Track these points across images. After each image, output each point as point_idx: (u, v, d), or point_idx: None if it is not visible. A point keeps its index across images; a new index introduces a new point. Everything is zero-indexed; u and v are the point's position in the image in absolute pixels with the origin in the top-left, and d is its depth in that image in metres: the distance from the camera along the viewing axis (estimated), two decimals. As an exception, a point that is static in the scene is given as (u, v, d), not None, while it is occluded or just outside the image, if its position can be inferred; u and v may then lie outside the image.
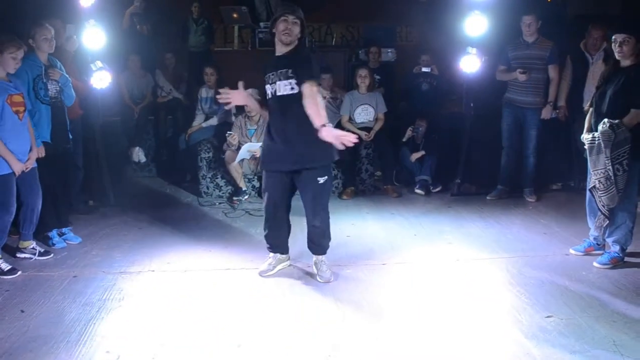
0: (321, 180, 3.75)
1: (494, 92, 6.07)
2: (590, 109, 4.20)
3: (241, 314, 3.42)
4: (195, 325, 3.27)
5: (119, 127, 6.85)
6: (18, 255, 4.30)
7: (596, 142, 3.93)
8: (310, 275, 4.00)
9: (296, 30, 3.65)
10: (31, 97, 4.30)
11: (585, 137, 4.07)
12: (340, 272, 4.05)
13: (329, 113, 6.48)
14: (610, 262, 4.05)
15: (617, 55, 3.96)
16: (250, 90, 3.98)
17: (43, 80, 4.39)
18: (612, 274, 3.96)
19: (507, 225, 5.10)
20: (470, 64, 5.68)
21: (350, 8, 8.80)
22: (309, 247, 4.02)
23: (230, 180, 6.09)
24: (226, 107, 3.72)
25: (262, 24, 8.13)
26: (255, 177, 6.09)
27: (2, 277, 3.95)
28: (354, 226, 5.14)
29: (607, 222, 4.07)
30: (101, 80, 5.18)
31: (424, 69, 7.06)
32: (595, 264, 4.09)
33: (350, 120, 6.43)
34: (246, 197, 5.99)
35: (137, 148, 7.05)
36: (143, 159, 7.09)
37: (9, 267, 4.03)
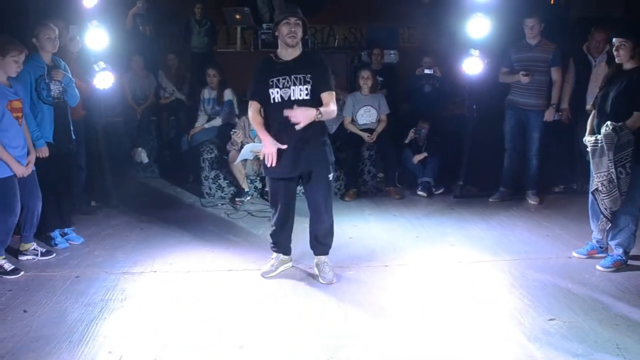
0: (330, 176, 3.82)
1: (497, 95, 6.08)
2: (593, 111, 4.19)
3: (243, 315, 3.42)
4: (197, 326, 3.27)
5: (121, 128, 6.86)
6: (20, 258, 4.30)
7: (599, 144, 3.93)
8: (313, 276, 4.00)
9: (300, 31, 3.66)
10: (33, 98, 4.31)
11: (588, 139, 4.07)
12: (343, 274, 4.04)
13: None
14: (613, 265, 4.05)
15: (616, 59, 4.00)
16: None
17: (45, 81, 4.39)
18: (615, 277, 3.95)
19: (510, 228, 5.10)
20: (472, 66, 5.68)
21: (353, 10, 8.81)
22: (313, 247, 4.02)
23: (233, 181, 6.09)
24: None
25: (264, 25, 8.15)
26: (258, 178, 6.10)
27: (5, 277, 3.95)
28: (356, 228, 5.14)
29: (610, 225, 4.06)
30: (104, 81, 5.18)
31: (427, 71, 7.06)
32: (598, 266, 4.08)
33: (353, 121, 6.43)
34: (248, 198, 5.99)
35: (140, 149, 7.06)
36: (145, 159, 7.10)
37: (12, 267, 4.04)
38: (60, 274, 4.04)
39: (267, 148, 3.66)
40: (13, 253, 4.33)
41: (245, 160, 5.90)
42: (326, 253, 4.00)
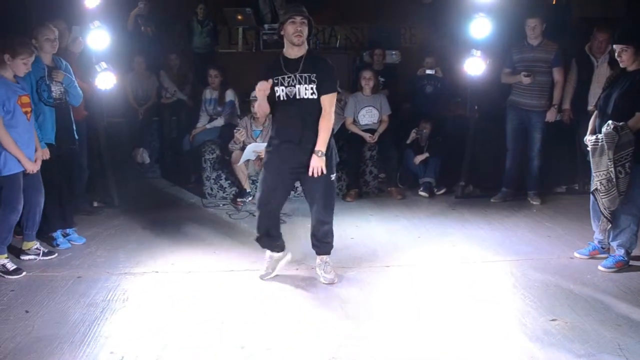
0: (332, 177, 3.82)
1: (498, 95, 6.07)
2: (595, 111, 4.19)
3: (245, 315, 3.42)
4: (199, 326, 3.27)
5: (123, 128, 6.87)
6: (22, 257, 4.31)
7: (599, 143, 3.92)
8: (314, 277, 3.99)
9: (305, 30, 3.68)
10: (34, 99, 4.32)
11: (589, 138, 4.07)
12: (344, 274, 4.04)
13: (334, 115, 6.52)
14: (615, 266, 4.04)
15: (620, 64, 4.02)
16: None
17: (46, 82, 4.39)
18: (617, 277, 3.94)
19: (512, 228, 5.09)
20: (474, 67, 5.67)
21: (355, 10, 8.81)
22: (314, 246, 4.01)
23: (235, 182, 6.10)
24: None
25: (266, 26, 8.16)
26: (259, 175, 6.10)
27: (7, 277, 3.96)
28: (358, 228, 5.14)
29: (610, 225, 4.06)
30: (106, 81, 5.19)
31: (428, 71, 7.06)
32: (600, 267, 4.07)
33: (355, 122, 6.43)
34: (250, 198, 5.99)
35: (142, 149, 7.07)
36: (147, 160, 7.11)
37: (14, 267, 4.04)
38: (62, 275, 4.05)
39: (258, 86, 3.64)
40: (15, 253, 4.34)
41: (248, 160, 5.91)
42: (327, 253, 4.00)
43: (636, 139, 3.84)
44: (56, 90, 4.48)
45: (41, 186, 4.25)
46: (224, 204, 6.01)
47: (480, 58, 5.62)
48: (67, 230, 4.75)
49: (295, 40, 3.65)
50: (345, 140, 6.39)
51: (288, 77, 3.68)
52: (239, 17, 8.29)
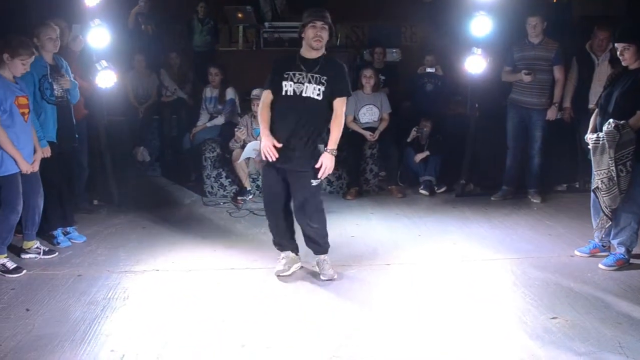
0: (314, 182, 3.79)
1: (499, 93, 6.06)
2: (596, 109, 4.19)
3: (245, 314, 3.42)
4: (199, 325, 3.27)
5: (123, 127, 6.85)
6: (23, 256, 4.31)
7: (600, 142, 3.92)
8: (314, 275, 4.00)
9: (325, 35, 3.71)
10: (37, 97, 4.31)
11: (590, 136, 4.07)
12: (345, 273, 4.04)
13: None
14: (616, 264, 4.04)
15: (622, 62, 4.02)
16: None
17: (49, 80, 4.39)
18: (617, 275, 3.94)
19: (512, 226, 5.09)
20: (475, 65, 5.65)
21: (355, 9, 8.79)
22: (310, 247, 4.03)
23: (235, 180, 6.10)
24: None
25: (266, 24, 8.14)
26: (260, 176, 6.09)
27: (7, 275, 3.96)
28: (358, 226, 5.14)
29: (610, 223, 4.06)
30: (106, 79, 5.18)
31: (429, 70, 7.05)
32: (600, 265, 4.07)
33: (355, 120, 6.43)
34: (250, 196, 6.00)
35: (142, 147, 7.07)
36: (147, 158, 7.11)
37: (14, 265, 4.04)
38: (62, 273, 4.05)
39: (264, 142, 3.70)
40: (16, 252, 4.34)
41: (248, 158, 5.91)
42: (325, 252, 4.00)
43: (637, 138, 3.84)
44: (58, 88, 4.47)
45: (40, 187, 4.25)
46: (224, 202, 6.01)
47: (480, 56, 5.61)
48: (68, 229, 4.75)
49: (314, 44, 3.70)
50: (345, 138, 6.36)
51: (299, 74, 3.71)
52: (240, 15, 8.27)
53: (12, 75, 4.01)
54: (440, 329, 3.21)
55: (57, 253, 4.43)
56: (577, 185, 6.21)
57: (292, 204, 3.96)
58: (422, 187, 6.31)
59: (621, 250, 4.07)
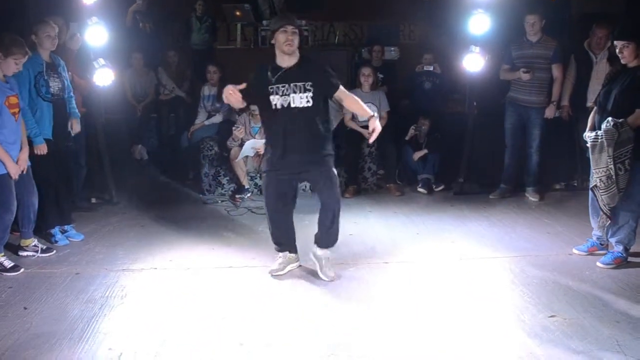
0: (334, 170, 3.89)
1: (497, 91, 6.06)
2: (594, 108, 4.19)
3: (243, 312, 3.42)
4: (197, 323, 3.27)
5: (121, 125, 6.86)
6: (20, 253, 4.31)
7: (599, 140, 3.92)
8: (312, 273, 3.99)
9: (297, 39, 3.71)
10: (32, 94, 4.30)
11: (588, 135, 4.07)
12: (343, 271, 4.04)
13: (332, 111, 6.50)
14: (614, 262, 4.04)
15: (621, 60, 4.01)
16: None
17: (44, 78, 4.38)
18: (615, 273, 3.95)
19: (510, 225, 5.09)
20: (473, 63, 5.65)
21: (354, 7, 8.77)
22: (321, 239, 3.97)
23: (233, 178, 6.10)
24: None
25: (264, 22, 8.12)
26: (258, 175, 6.09)
27: (5, 274, 3.96)
28: (357, 225, 5.14)
29: (609, 221, 4.06)
30: (104, 78, 5.17)
31: (427, 68, 7.05)
32: (598, 263, 4.07)
33: (353, 118, 6.42)
34: (249, 195, 5.99)
35: (140, 146, 7.07)
36: (145, 156, 7.10)
37: (12, 264, 4.04)
38: (60, 271, 4.05)
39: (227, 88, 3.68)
40: (13, 250, 4.33)
41: (246, 157, 5.90)
42: (332, 245, 4.00)
43: (636, 136, 3.84)
44: (54, 85, 4.46)
45: (33, 186, 4.22)
46: (222, 201, 6.01)
47: (479, 54, 5.61)
48: (65, 227, 4.74)
49: (285, 49, 3.69)
50: (343, 136, 6.38)
51: (282, 86, 3.69)
52: (238, 13, 8.26)
53: (2, 74, 3.98)
54: (438, 327, 3.21)
55: (54, 251, 4.43)
56: (576, 184, 6.21)
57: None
58: (420, 185, 6.31)
59: (619, 248, 4.07)
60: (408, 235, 4.88)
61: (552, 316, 3.30)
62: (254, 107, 5.77)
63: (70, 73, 4.77)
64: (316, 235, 4.01)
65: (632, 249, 4.13)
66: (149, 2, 7.48)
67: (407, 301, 3.56)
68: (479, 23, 5.48)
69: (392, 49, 8.06)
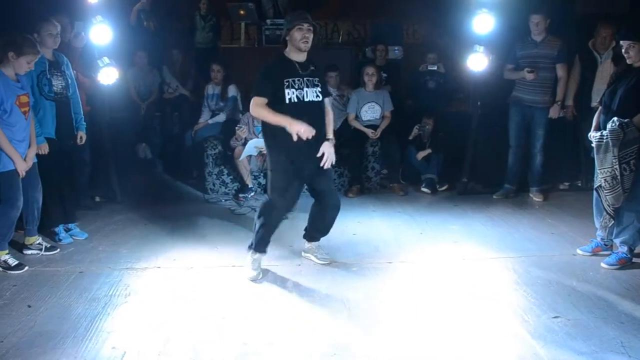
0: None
1: (501, 91, 6.04)
2: (599, 107, 4.18)
3: (246, 311, 3.42)
4: (200, 322, 3.27)
5: (125, 123, 6.85)
6: (25, 252, 4.32)
7: (604, 140, 3.91)
8: (316, 272, 3.99)
9: (311, 37, 3.77)
10: (35, 93, 4.30)
11: (593, 135, 4.06)
12: (346, 270, 4.04)
13: (335, 111, 6.52)
14: (618, 263, 4.03)
15: (627, 60, 4.00)
16: None
17: (47, 77, 4.38)
18: (619, 274, 3.94)
19: (514, 225, 5.08)
20: (477, 62, 5.63)
21: (357, 5, 8.78)
22: (316, 235, 4.12)
23: (237, 177, 6.10)
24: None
25: (268, 21, 8.14)
26: (262, 174, 6.09)
27: (9, 272, 3.97)
28: (360, 224, 5.13)
29: (613, 222, 4.05)
30: (108, 76, 5.16)
31: (431, 67, 7.05)
32: (602, 264, 4.06)
33: (357, 118, 6.42)
34: (252, 194, 6.00)
35: (144, 144, 7.08)
36: (149, 155, 7.10)
37: (16, 262, 4.05)
38: (64, 270, 4.06)
39: (297, 126, 3.61)
40: (18, 248, 4.35)
41: (250, 156, 5.90)
42: (320, 238, 4.16)
43: (641, 136, 3.83)
44: (57, 84, 4.46)
45: (38, 182, 4.24)
46: (226, 200, 6.01)
47: (483, 54, 5.59)
48: (69, 225, 4.75)
49: (302, 46, 3.76)
50: (347, 136, 6.38)
51: (298, 80, 3.77)
52: (242, 12, 8.27)
53: (15, 73, 4.01)
54: (441, 327, 3.21)
55: (58, 249, 4.43)
56: (580, 184, 6.20)
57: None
58: (424, 185, 6.31)
59: (624, 249, 4.06)
60: (412, 235, 4.87)
61: (556, 317, 3.30)
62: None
63: (74, 71, 4.77)
64: (311, 231, 4.11)
65: (637, 250, 4.12)
66: (154, 1, 7.48)
67: (411, 301, 3.56)
68: (483, 22, 5.46)
69: (396, 48, 8.06)
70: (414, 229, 5.01)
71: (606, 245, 4.26)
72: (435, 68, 7.04)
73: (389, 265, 4.16)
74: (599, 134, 3.98)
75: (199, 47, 8.06)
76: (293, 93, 3.74)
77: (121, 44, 5.70)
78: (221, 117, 6.64)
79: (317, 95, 3.82)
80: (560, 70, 5.67)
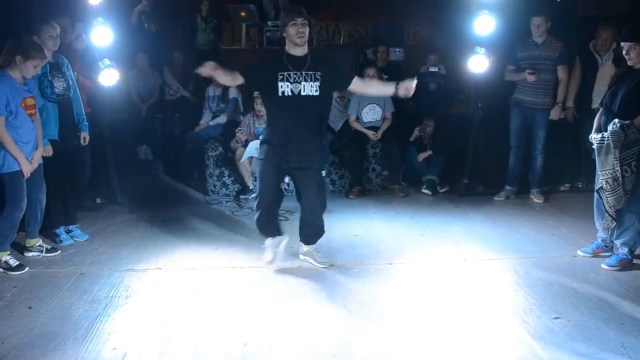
0: (323, 172, 3.99)
1: (502, 93, 6.04)
2: (600, 109, 4.18)
3: (247, 312, 3.42)
4: (201, 323, 3.27)
5: (126, 125, 6.86)
6: (26, 254, 4.32)
7: (605, 142, 3.91)
8: (317, 274, 3.99)
9: (307, 31, 3.80)
10: (37, 96, 4.31)
11: (594, 136, 4.06)
12: (347, 272, 4.04)
13: (336, 112, 6.52)
14: (619, 264, 4.03)
15: (628, 62, 4.01)
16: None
17: (49, 79, 4.39)
18: (620, 275, 3.93)
19: (515, 226, 5.08)
20: (478, 64, 5.64)
21: (358, 7, 8.79)
22: (309, 239, 4.14)
23: (237, 179, 6.10)
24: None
25: (269, 23, 8.15)
26: (259, 171, 6.08)
27: (10, 273, 3.97)
28: (361, 226, 5.13)
29: (615, 223, 4.05)
30: (109, 78, 5.17)
31: (432, 69, 7.04)
32: (603, 265, 4.06)
33: (358, 119, 6.42)
34: (253, 195, 5.98)
35: (145, 146, 7.08)
36: (150, 156, 7.10)
37: (17, 263, 4.05)
38: (65, 271, 4.06)
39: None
40: (19, 249, 4.35)
41: (251, 157, 5.90)
42: (316, 241, 4.17)
43: (643, 138, 3.83)
44: (59, 86, 4.47)
45: (42, 184, 4.25)
46: (226, 201, 6.01)
47: (484, 55, 5.59)
48: (70, 227, 4.76)
49: (297, 41, 3.79)
50: (348, 138, 6.38)
51: (294, 74, 3.78)
52: (243, 13, 8.28)
53: (22, 76, 4.01)
54: (442, 328, 3.21)
55: (59, 251, 4.44)
56: (580, 185, 6.20)
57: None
58: (424, 187, 6.31)
59: (624, 250, 4.05)
60: (412, 236, 4.87)
61: (556, 318, 3.30)
62: (259, 108, 5.79)
63: (75, 73, 4.78)
64: (302, 235, 4.14)
65: (637, 251, 4.11)
66: (155, 3, 7.49)
67: (411, 302, 3.56)
68: (484, 24, 5.46)
69: (397, 49, 8.07)
70: (415, 231, 5.01)
71: (607, 246, 4.25)
72: (436, 69, 7.03)
73: (390, 267, 4.16)
74: (600, 135, 3.98)
75: (200, 49, 8.07)
76: (287, 87, 3.77)
77: (122, 45, 5.71)
78: (222, 119, 6.65)
79: (316, 90, 3.80)
80: (561, 72, 5.67)
